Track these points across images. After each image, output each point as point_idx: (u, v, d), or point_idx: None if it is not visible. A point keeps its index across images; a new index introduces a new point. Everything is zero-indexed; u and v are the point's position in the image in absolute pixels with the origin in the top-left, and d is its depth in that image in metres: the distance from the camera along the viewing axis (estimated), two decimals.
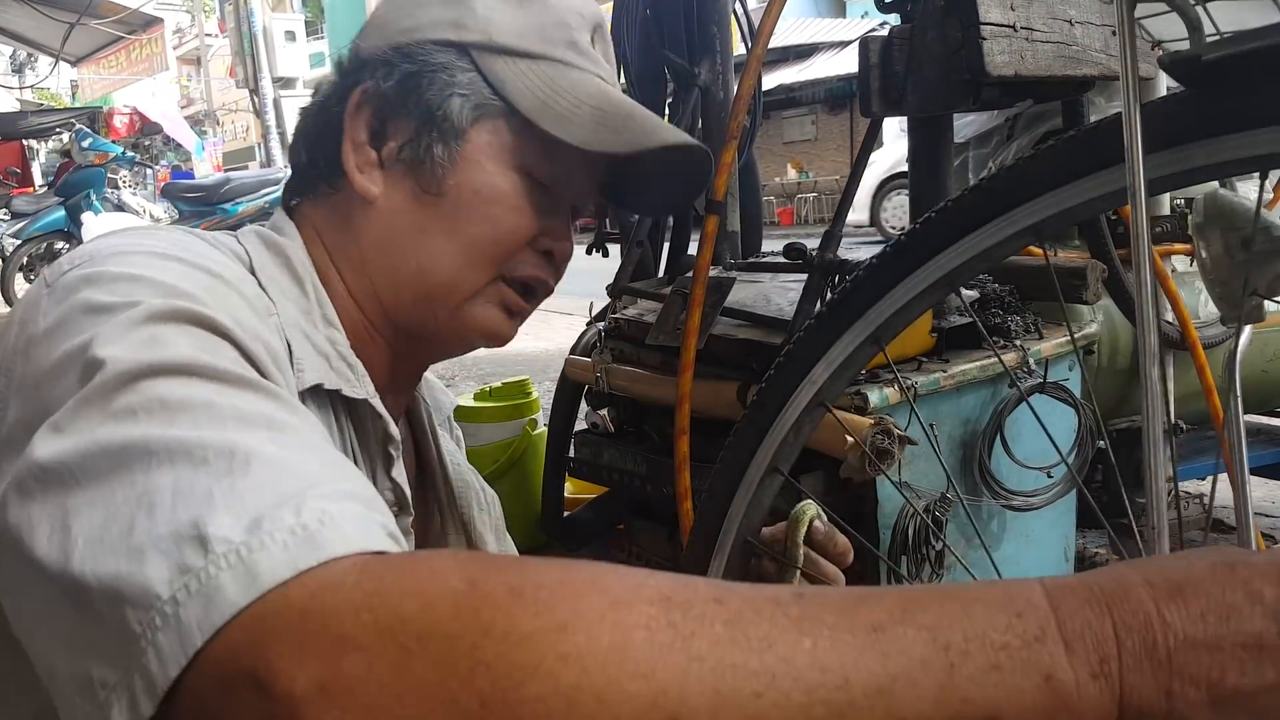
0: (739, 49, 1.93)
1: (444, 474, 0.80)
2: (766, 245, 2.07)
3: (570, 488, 2.22)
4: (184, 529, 0.37)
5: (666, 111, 1.92)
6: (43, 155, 11.94)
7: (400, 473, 0.67)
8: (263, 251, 0.65)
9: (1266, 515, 2.35)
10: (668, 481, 1.58)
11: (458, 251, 0.67)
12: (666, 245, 1.99)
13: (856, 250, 1.51)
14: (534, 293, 0.73)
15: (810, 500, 0.71)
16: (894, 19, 1.36)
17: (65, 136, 9.30)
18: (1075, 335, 1.56)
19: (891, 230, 10.20)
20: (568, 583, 0.34)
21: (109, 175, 8.50)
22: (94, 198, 8.12)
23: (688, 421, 1.35)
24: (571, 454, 1.92)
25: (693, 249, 1.65)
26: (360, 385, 0.64)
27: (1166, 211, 1.69)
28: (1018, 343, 1.42)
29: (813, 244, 1.43)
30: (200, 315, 0.49)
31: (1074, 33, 1.32)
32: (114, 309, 0.47)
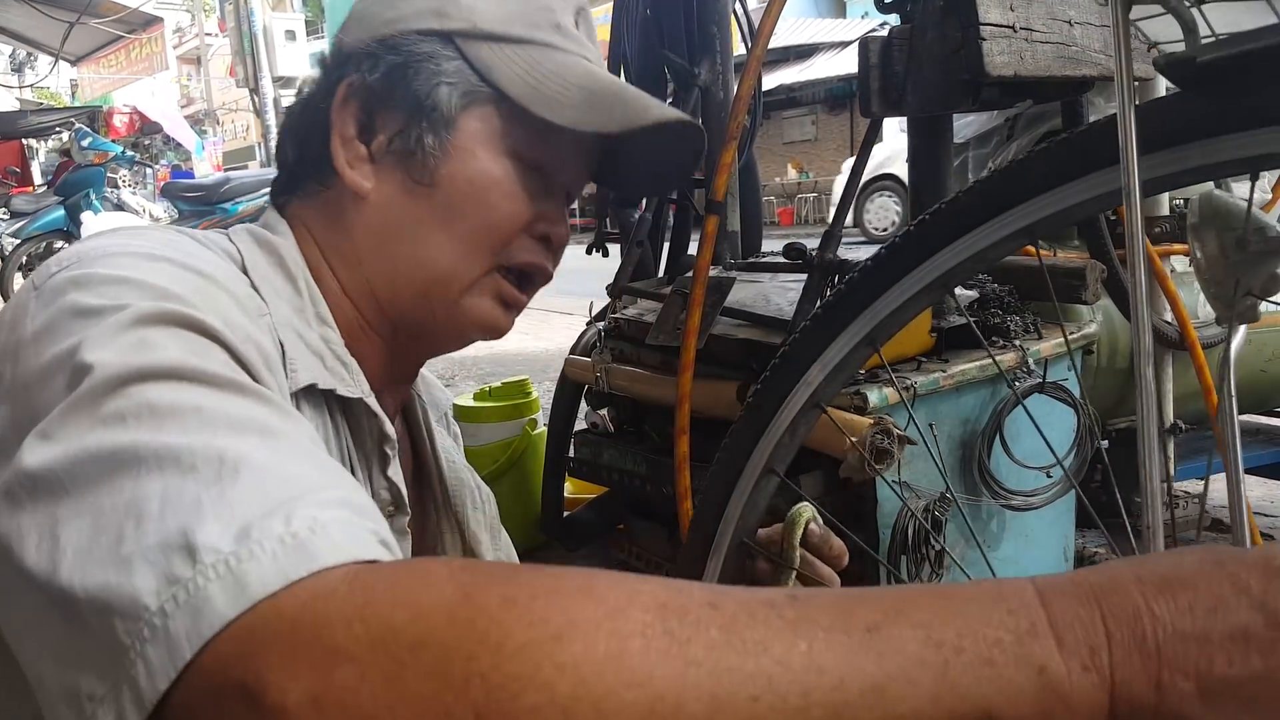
0: (739, 49, 1.93)
1: (439, 472, 0.79)
2: (766, 245, 2.07)
3: (570, 488, 2.22)
4: (172, 538, 0.37)
5: None
6: (42, 154, 11.94)
7: (396, 472, 0.66)
8: (255, 250, 0.64)
9: (1265, 515, 2.36)
10: (668, 481, 1.58)
11: (454, 241, 0.66)
12: (666, 245, 2.00)
13: (857, 250, 1.51)
14: (532, 280, 0.72)
15: (806, 502, 0.71)
16: (894, 19, 1.36)
17: (65, 136, 9.30)
18: (1071, 336, 1.56)
19: (875, 231, 10.28)
20: (562, 591, 0.34)
21: (109, 175, 8.49)
22: (93, 197, 8.12)
23: (688, 421, 1.35)
24: (571, 454, 1.92)
25: (693, 249, 1.65)
26: (355, 384, 0.64)
27: (1165, 212, 1.69)
28: (1017, 343, 1.42)
29: (812, 244, 1.43)
30: (189, 318, 0.48)
31: (1073, 33, 1.32)
32: (102, 312, 0.47)
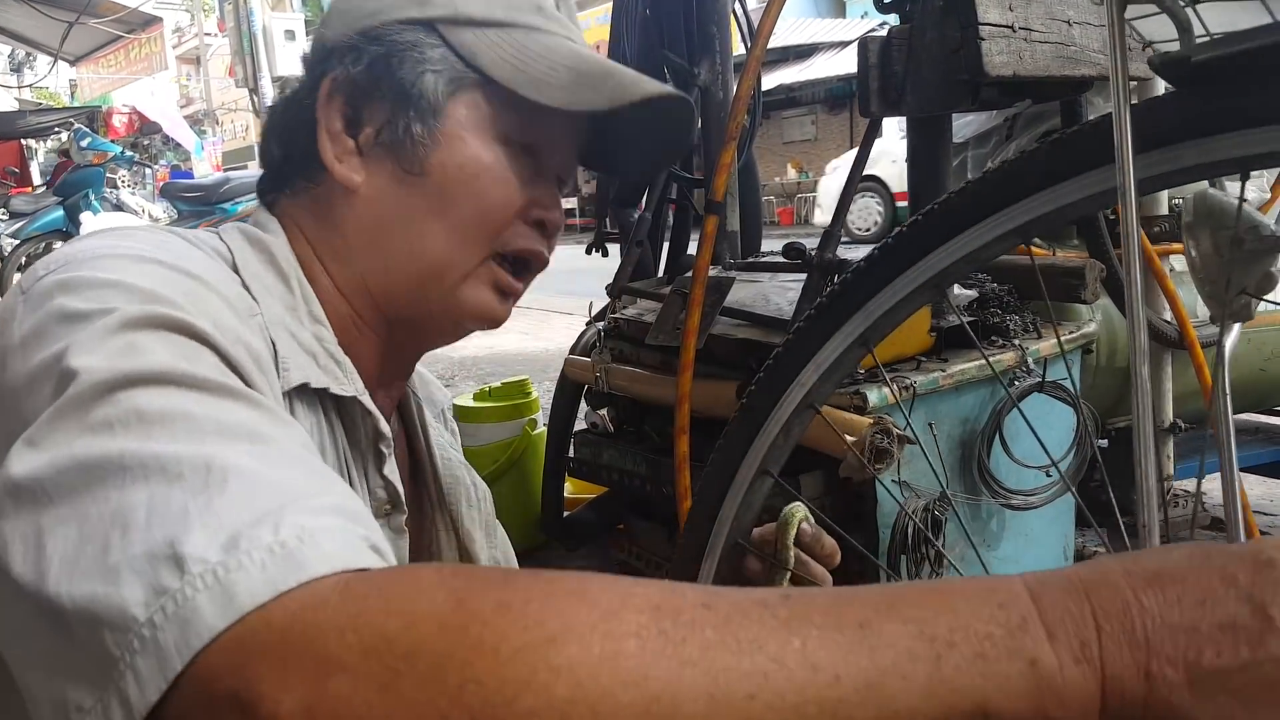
0: (738, 49, 1.93)
1: (433, 469, 0.79)
2: (766, 245, 2.07)
3: (570, 487, 2.22)
4: (159, 548, 0.36)
5: None
6: (41, 155, 11.94)
7: (392, 470, 0.66)
8: (246, 248, 0.63)
9: (1264, 514, 2.36)
10: (667, 481, 1.58)
11: (448, 230, 0.66)
12: (666, 245, 2.00)
13: (856, 250, 1.51)
14: (528, 267, 0.71)
15: (799, 502, 0.71)
16: (893, 19, 1.36)
17: (64, 136, 9.30)
18: (1070, 336, 1.56)
19: (858, 232, 10.42)
20: (556, 595, 0.34)
21: (108, 175, 8.48)
22: (92, 197, 8.11)
23: (687, 421, 1.35)
24: (571, 454, 1.92)
25: (692, 249, 1.65)
26: (349, 382, 0.63)
27: (1164, 211, 1.69)
28: (1016, 342, 1.42)
29: (812, 244, 1.43)
30: (179, 321, 0.47)
31: (1072, 33, 1.32)
32: (89, 316, 0.46)
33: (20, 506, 0.40)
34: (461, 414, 2.38)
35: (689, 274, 1.39)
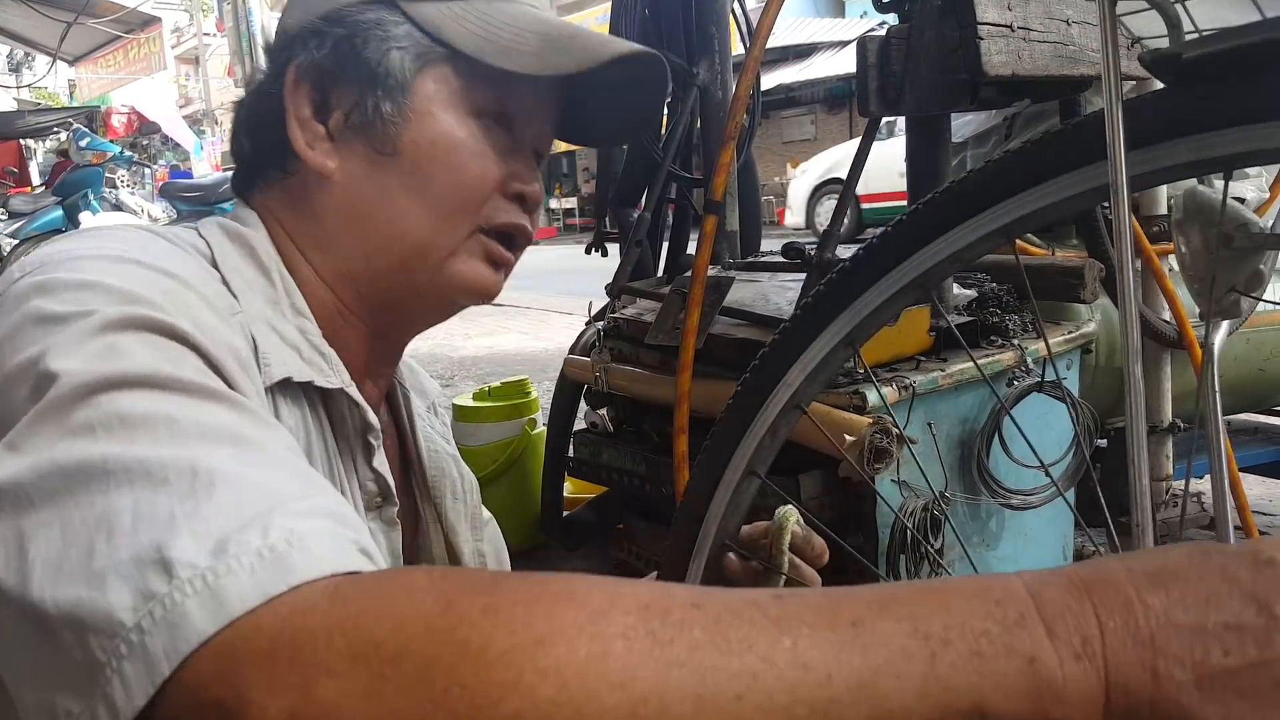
0: (737, 49, 1.93)
1: (419, 461, 0.78)
2: (765, 245, 2.07)
3: (570, 487, 2.22)
4: (146, 553, 0.36)
5: (665, 111, 1.92)
6: (40, 155, 11.93)
7: (382, 462, 0.65)
8: (225, 243, 0.63)
9: (1263, 513, 2.36)
10: (667, 481, 1.58)
11: (426, 208, 0.65)
12: (665, 245, 2.00)
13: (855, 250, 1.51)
14: (513, 241, 0.70)
15: (789, 505, 0.70)
16: (892, 19, 1.36)
17: (63, 136, 9.29)
18: (1069, 336, 1.56)
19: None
20: (544, 596, 0.34)
21: (107, 175, 8.47)
22: (91, 197, 8.10)
23: (686, 420, 1.35)
24: (571, 453, 1.92)
25: (691, 248, 1.66)
26: (334, 374, 0.62)
27: (1163, 211, 1.69)
28: (1015, 342, 1.42)
29: (811, 243, 1.43)
30: (159, 322, 0.47)
31: (1071, 32, 1.33)
32: (67, 318, 0.45)
33: (1, 510, 0.39)
34: (461, 414, 2.38)
35: (688, 273, 1.39)
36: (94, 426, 0.41)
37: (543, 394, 2.59)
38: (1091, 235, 1.51)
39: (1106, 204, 0.48)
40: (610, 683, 0.31)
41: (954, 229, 0.55)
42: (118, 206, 8.39)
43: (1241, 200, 1.77)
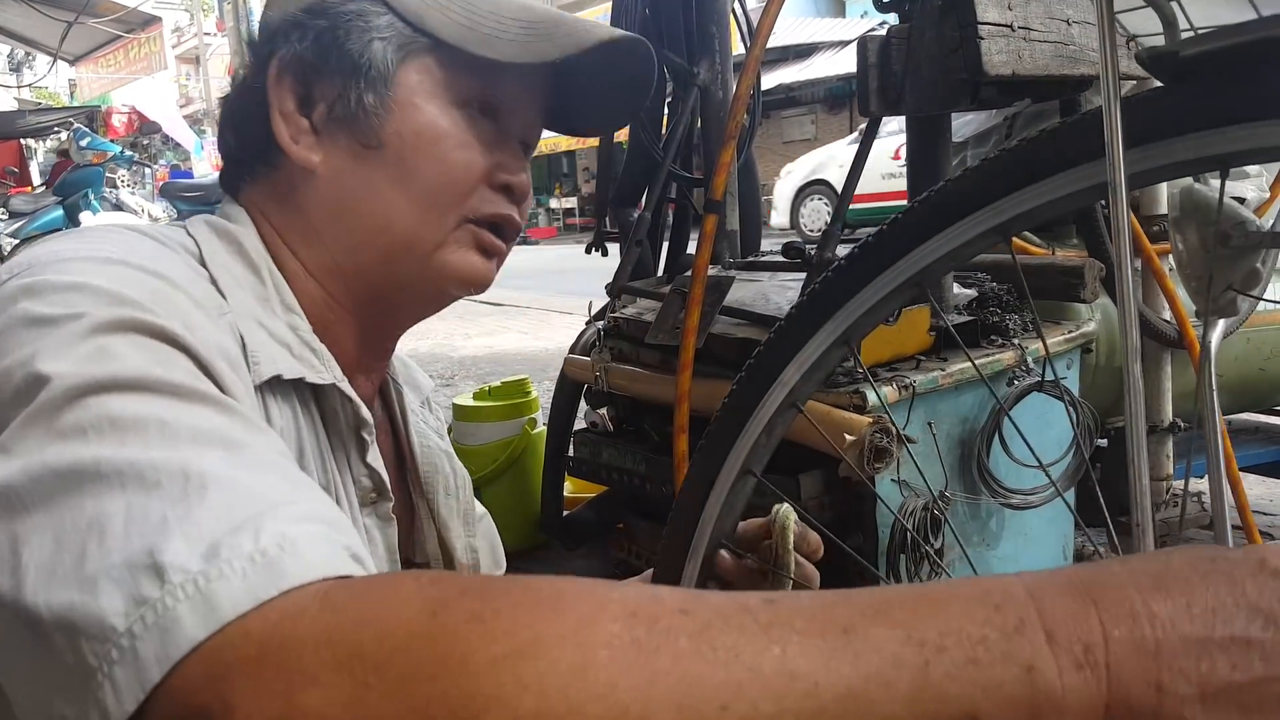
0: (738, 48, 1.93)
1: (412, 455, 0.78)
2: (765, 244, 2.07)
3: (570, 487, 2.22)
4: (138, 557, 0.36)
5: (666, 111, 1.92)
6: (41, 154, 11.94)
7: (375, 457, 0.65)
8: (214, 240, 0.62)
9: (1264, 514, 2.36)
10: (667, 480, 1.58)
11: (411, 201, 0.64)
12: (666, 244, 2.00)
13: None
14: (502, 232, 0.69)
15: (785, 503, 0.70)
16: (892, 18, 1.36)
17: (63, 135, 9.29)
18: (1069, 335, 1.56)
19: (810, 232, 10.88)
20: (529, 604, 0.33)
21: (107, 174, 8.48)
22: (92, 197, 8.10)
23: (687, 420, 1.35)
24: (571, 453, 1.92)
25: (691, 248, 1.66)
26: (326, 370, 0.61)
27: (1164, 210, 1.69)
28: (1015, 341, 1.42)
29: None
30: (150, 324, 0.46)
31: (1071, 32, 1.33)
32: (57, 321, 0.45)
33: None
34: (461, 413, 2.38)
35: (688, 273, 1.39)
36: (85, 429, 0.41)
37: (543, 394, 2.59)
38: (1091, 234, 1.51)
39: (1105, 203, 0.48)
40: (593, 694, 0.30)
41: (950, 227, 0.55)
42: (118, 206, 8.39)
43: (1241, 200, 1.77)
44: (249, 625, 0.34)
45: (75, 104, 14.54)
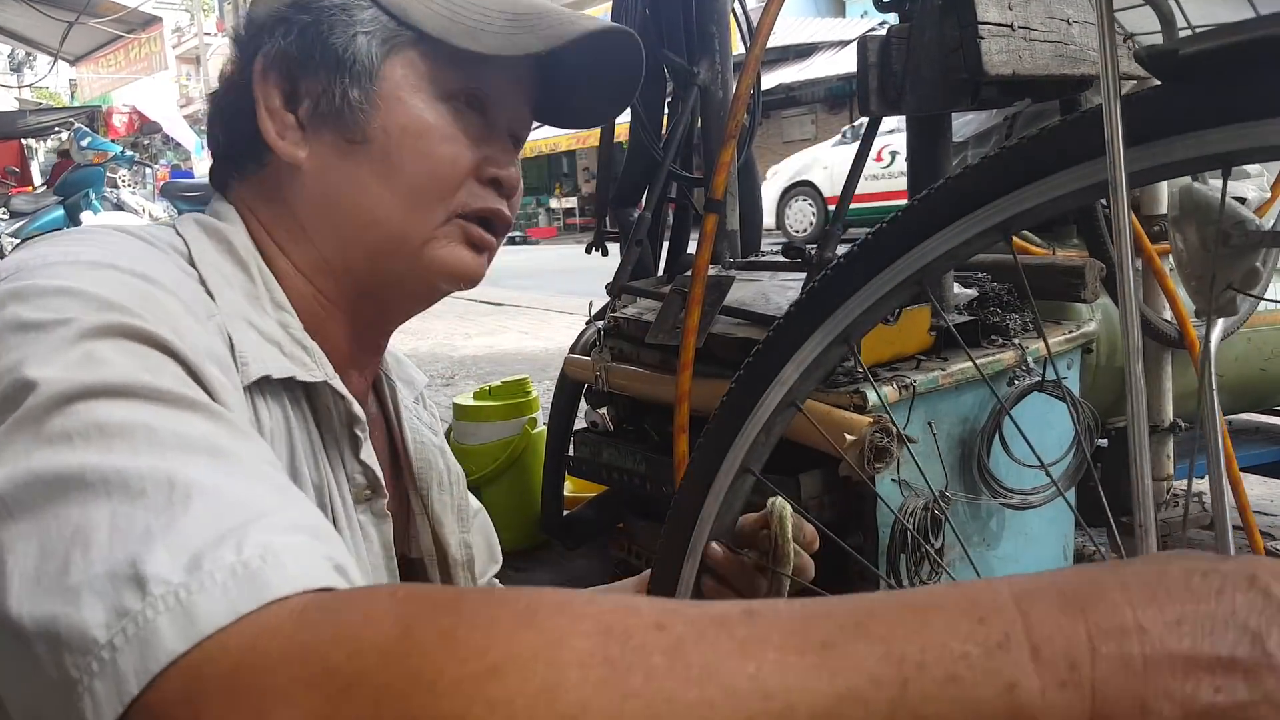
0: (738, 48, 1.93)
1: (405, 452, 0.77)
2: (765, 244, 2.07)
3: (570, 486, 2.23)
4: (121, 568, 0.36)
5: (666, 111, 1.92)
6: (41, 154, 11.94)
7: (369, 454, 0.65)
8: (203, 239, 0.62)
9: (1265, 514, 2.36)
10: (667, 480, 1.58)
11: (398, 196, 0.64)
12: (666, 244, 2.00)
13: None
14: (491, 227, 0.69)
15: (779, 496, 0.70)
16: (893, 18, 1.36)
17: (64, 135, 9.30)
18: (1069, 335, 1.56)
19: (795, 233, 11.01)
20: (502, 620, 0.33)
21: (108, 174, 8.49)
22: (93, 197, 8.11)
23: (687, 420, 1.35)
24: (571, 452, 1.92)
25: (692, 247, 1.66)
26: (317, 367, 0.61)
27: (1165, 209, 1.69)
28: (1016, 341, 1.42)
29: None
30: (139, 329, 0.46)
31: (1072, 32, 1.33)
32: (44, 326, 0.45)
33: None
34: (461, 413, 2.38)
35: (689, 273, 1.39)
36: (71, 436, 0.40)
37: (543, 393, 2.60)
38: (1092, 234, 1.51)
39: (1106, 202, 0.48)
40: (560, 715, 0.30)
41: (951, 225, 0.55)
42: (119, 206, 8.40)
43: (1242, 200, 1.77)
44: (227, 640, 0.34)
45: (76, 104, 14.55)
